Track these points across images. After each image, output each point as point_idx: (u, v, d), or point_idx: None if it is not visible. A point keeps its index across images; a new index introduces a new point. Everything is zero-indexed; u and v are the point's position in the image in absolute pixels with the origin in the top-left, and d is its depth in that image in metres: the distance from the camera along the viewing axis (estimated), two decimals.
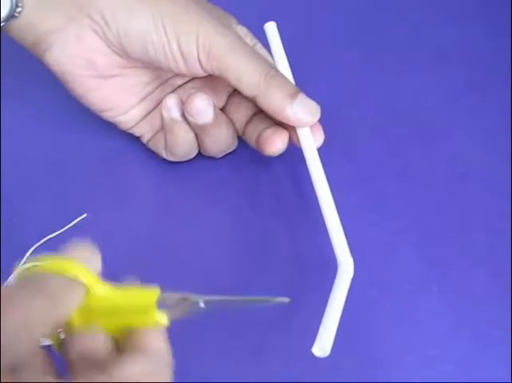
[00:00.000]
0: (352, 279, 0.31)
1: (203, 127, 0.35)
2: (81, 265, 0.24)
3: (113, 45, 0.34)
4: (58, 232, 0.37)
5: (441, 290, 0.34)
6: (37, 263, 0.24)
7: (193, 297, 0.24)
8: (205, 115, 0.35)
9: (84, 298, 0.24)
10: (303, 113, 0.34)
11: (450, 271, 0.35)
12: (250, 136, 0.38)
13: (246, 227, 0.37)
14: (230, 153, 0.39)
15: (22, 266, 0.25)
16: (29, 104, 0.43)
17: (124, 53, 0.35)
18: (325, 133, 0.36)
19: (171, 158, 0.38)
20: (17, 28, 0.34)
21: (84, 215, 0.37)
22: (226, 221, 0.36)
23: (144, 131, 0.39)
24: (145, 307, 0.24)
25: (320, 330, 0.27)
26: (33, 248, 0.36)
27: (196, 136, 0.37)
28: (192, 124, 0.36)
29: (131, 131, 0.39)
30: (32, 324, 0.21)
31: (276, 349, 0.32)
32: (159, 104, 0.38)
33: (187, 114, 0.35)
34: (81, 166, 0.40)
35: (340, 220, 0.33)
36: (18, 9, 0.34)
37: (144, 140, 0.39)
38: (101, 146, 0.41)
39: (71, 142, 0.41)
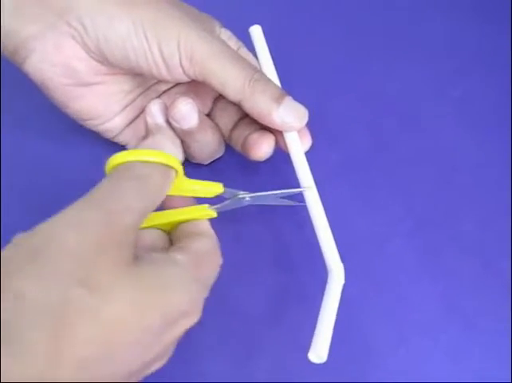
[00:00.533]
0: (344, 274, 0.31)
1: (188, 132, 0.35)
2: (166, 153, 0.28)
3: (93, 51, 0.34)
4: None
5: (432, 280, 0.34)
6: (131, 153, 0.27)
7: (242, 193, 0.32)
8: (189, 120, 0.34)
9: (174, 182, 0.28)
10: (290, 117, 0.34)
11: (442, 261, 0.35)
12: (236, 142, 0.37)
13: (232, 230, 0.37)
14: (216, 159, 0.39)
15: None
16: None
17: (104, 59, 0.34)
18: (313, 124, 0.35)
19: None
20: None
21: None
22: (213, 224, 0.36)
23: (129, 139, 0.38)
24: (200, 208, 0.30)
25: (315, 338, 0.27)
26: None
27: (182, 142, 0.36)
28: (177, 129, 0.35)
29: (115, 139, 0.38)
30: (144, 215, 0.25)
31: (269, 347, 0.32)
32: (142, 111, 0.38)
33: (171, 119, 0.35)
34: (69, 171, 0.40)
35: (329, 212, 0.32)
36: None
37: (130, 147, 0.39)
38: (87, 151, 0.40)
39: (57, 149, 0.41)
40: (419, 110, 0.42)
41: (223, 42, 0.34)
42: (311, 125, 0.34)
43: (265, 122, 0.34)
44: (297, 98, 0.35)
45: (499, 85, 0.42)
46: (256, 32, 0.38)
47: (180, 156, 0.36)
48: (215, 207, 0.31)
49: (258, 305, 0.34)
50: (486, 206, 0.37)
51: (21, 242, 0.23)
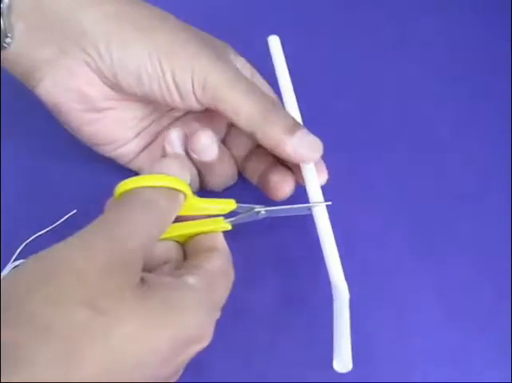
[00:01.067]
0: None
1: (207, 163, 0.34)
2: (174, 177, 0.28)
3: (106, 77, 0.33)
4: (48, 228, 0.37)
5: (432, 282, 0.34)
6: (138, 179, 0.27)
7: (257, 207, 0.32)
8: (210, 152, 0.34)
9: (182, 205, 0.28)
10: (303, 149, 0.32)
11: (441, 263, 0.35)
12: (252, 174, 0.37)
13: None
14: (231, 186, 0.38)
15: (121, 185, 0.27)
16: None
17: (117, 85, 0.33)
18: (314, 124, 0.34)
19: None
20: (7, 59, 0.33)
21: (74, 211, 0.38)
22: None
23: (143, 165, 0.37)
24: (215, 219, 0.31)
25: (337, 349, 0.28)
26: (23, 245, 0.36)
27: (198, 171, 0.36)
28: (195, 160, 0.34)
29: (129, 165, 0.38)
30: (151, 239, 0.26)
31: (269, 347, 0.33)
32: (157, 137, 0.37)
33: (190, 151, 0.34)
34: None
35: (329, 211, 0.32)
36: (8, 40, 0.32)
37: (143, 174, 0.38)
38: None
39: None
40: (419, 110, 0.42)
41: (237, 71, 0.34)
42: (313, 124, 0.34)
43: (278, 154, 0.33)
44: (299, 97, 0.35)
45: (499, 84, 0.42)
46: (274, 42, 0.38)
47: (189, 175, 0.32)
48: (230, 219, 0.31)
49: (264, 311, 0.34)
50: (486, 206, 0.37)
51: (30, 266, 0.23)
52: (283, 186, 0.34)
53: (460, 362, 0.32)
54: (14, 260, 0.35)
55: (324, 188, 0.33)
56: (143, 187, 0.27)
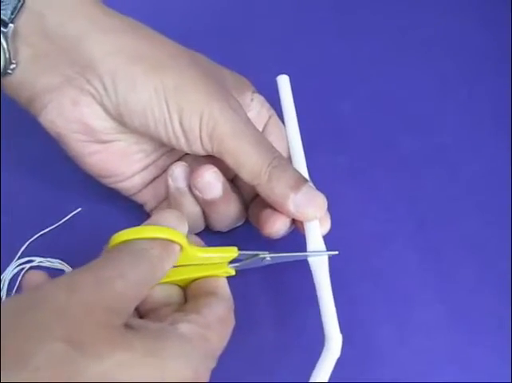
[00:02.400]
0: (346, 272, 0.32)
1: (211, 202, 0.33)
2: (171, 228, 0.27)
3: (111, 112, 0.32)
4: (53, 227, 0.37)
5: (434, 280, 0.34)
6: (132, 231, 0.27)
7: (262, 253, 0.31)
8: (213, 190, 0.32)
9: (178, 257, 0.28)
10: (306, 207, 0.31)
11: (444, 261, 0.35)
12: (252, 216, 0.36)
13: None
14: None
15: (117, 235, 0.27)
16: None
17: (122, 121, 0.32)
18: (318, 126, 0.35)
19: None
20: (11, 85, 0.32)
21: (79, 210, 0.38)
22: None
23: (148, 199, 0.36)
24: (218, 263, 0.30)
25: None
26: (27, 243, 0.36)
27: (203, 210, 0.34)
28: (199, 198, 0.33)
29: (133, 198, 0.37)
30: (141, 286, 0.25)
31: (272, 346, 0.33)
32: (165, 170, 0.36)
33: (193, 187, 0.32)
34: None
35: (333, 212, 0.32)
36: (12, 66, 0.31)
37: (148, 208, 0.37)
38: None
39: None
40: (422, 110, 0.42)
41: (247, 121, 0.32)
42: (318, 127, 0.34)
43: (281, 210, 0.32)
44: (302, 100, 0.35)
45: (501, 86, 0.42)
46: (283, 81, 0.37)
47: (186, 227, 0.30)
48: (234, 265, 0.31)
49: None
50: (488, 206, 0.37)
51: (15, 299, 0.23)
52: (276, 221, 0.32)
53: (460, 362, 0.32)
54: (18, 258, 0.35)
55: (326, 189, 0.32)
56: (136, 239, 0.26)
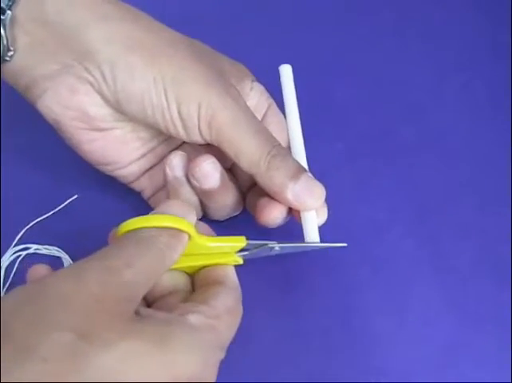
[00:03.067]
0: (344, 259, 0.32)
1: (208, 192, 0.33)
2: (180, 217, 0.27)
3: (109, 100, 0.32)
4: (49, 213, 0.37)
5: (432, 267, 0.35)
6: (140, 219, 0.27)
7: (271, 243, 0.31)
8: (211, 180, 0.32)
9: (186, 246, 0.28)
10: (305, 196, 0.31)
11: (442, 248, 0.35)
12: (249, 206, 0.35)
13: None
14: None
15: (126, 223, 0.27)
16: None
17: (120, 109, 0.32)
18: (317, 113, 0.35)
19: None
20: (9, 72, 0.32)
21: (75, 197, 0.37)
22: None
23: (145, 186, 0.36)
24: (227, 252, 0.30)
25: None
26: (24, 230, 0.36)
27: (200, 199, 0.34)
28: (196, 188, 0.33)
29: (131, 185, 0.36)
30: (149, 274, 0.25)
31: (265, 331, 0.33)
32: (162, 159, 0.36)
33: (191, 177, 0.32)
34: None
35: (331, 200, 0.32)
36: (10, 53, 0.31)
37: (145, 196, 0.37)
38: None
39: None
40: (420, 98, 0.42)
41: (246, 110, 0.32)
42: (316, 115, 0.34)
43: (279, 200, 0.32)
44: (301, 88, 0.34)
45: (500, 74, 0.43)
46: (285, 71, 0.37)
47: (195, 217, 0.30)
48: (243, 253, 0.31)
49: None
50: (487, 193, 0.37)
51: (20, 289, 0.23)
52: (272, 209, 0.32)
53: (460, 362, 0.32)
54: (15, 245, 0.35)
55: (325, 180, 0.32)
56: (143, 227, 0.26)
